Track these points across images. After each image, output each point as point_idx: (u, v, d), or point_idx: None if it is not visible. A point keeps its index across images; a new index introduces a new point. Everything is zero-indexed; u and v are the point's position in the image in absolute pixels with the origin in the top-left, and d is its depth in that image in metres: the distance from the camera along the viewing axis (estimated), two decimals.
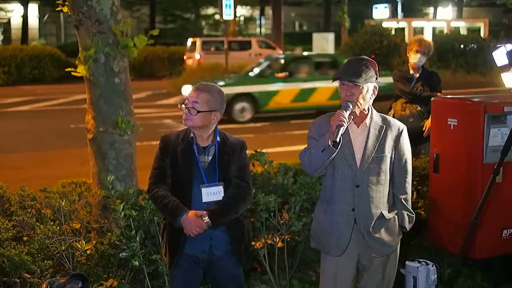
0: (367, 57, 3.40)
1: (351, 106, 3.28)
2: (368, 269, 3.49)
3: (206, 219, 3.27)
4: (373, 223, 3.38)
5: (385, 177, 3.41)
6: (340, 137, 3.19)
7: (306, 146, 3.45)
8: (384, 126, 3.41)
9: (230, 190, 3.37)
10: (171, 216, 3.30)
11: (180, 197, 3.33)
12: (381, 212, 3.40)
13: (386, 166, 3.40)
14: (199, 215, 3.27)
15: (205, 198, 3.33)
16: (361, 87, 3.29)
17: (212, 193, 3.34)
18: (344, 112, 3.24)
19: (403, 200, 3.47)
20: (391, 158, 3.42)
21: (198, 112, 3.28)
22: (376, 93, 3.38)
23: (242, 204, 3.39)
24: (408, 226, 3.50)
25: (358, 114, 3.36)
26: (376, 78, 3.36)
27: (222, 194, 3.36)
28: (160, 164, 3.39)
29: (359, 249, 3.43)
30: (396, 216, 3.46)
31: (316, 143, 3.33)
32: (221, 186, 3.36)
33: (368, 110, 3.40)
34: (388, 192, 3.45)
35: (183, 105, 3.32)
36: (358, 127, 3.39)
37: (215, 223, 3.29)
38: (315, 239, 3.54)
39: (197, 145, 3.37)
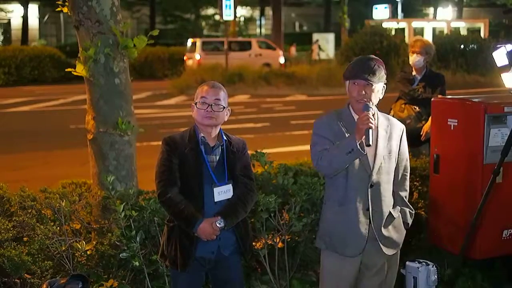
0: (375, 57, 3.39)
1: (371, 106, 3.28)
2: (372, 268, 3.49)
3: (221, 224, 3.27)
4: (384, 221, 3.41)
5: (392, 175, 3.45)
6: (372, 139, 3.18)
7: (314, 145, 3.40)
8: (389, 126, 3.44)
9: (237, 190, 3.39)
10: (186, 224, 3.28)
11: (191, 198, 3.31)
12: (389, 211, 3.44)
13: (393, 164, 3.44)
14: (214, 221, 3.26)
15: (217, 198, 3.34)
16: (373, 86, 3.29)
17: (223, 192, 3.36)
18: (369, 113, 3.21)
19: (404, 198, 3.52)
20: (396, 156, 3.45)
21: (224, 108, 3.34)
22: (383, 92, 3.39)
23: (250, 202, 3.42)
24: (410, 221, 3.55)
25: None
26: (385, 77, 3.37)
27: (232, 193, 3.38)
28: (169, 166, 3.34)
29: (366, 248, 3.44)
30: (399, 214, 3.50)
31: (331, 144, 3.31)
32: (231, 185, 3.38)
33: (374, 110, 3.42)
34: (392, 190, 3.48)
35: (205, 104, 3.31)
36: None
37: (229, 225, 3.31)
38: (326, 240, 3.50)
39: (205, 145, 3.38)
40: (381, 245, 3.41)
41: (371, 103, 3.29)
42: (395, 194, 3.50)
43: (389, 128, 3.42)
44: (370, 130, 3.17)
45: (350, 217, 3.39)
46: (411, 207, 3.56)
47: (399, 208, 3.50)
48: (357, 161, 3.33)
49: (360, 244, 3.40)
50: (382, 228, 3.40)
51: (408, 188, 3.55)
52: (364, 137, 3.18)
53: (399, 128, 3.48)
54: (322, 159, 3.32)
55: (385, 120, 3.46)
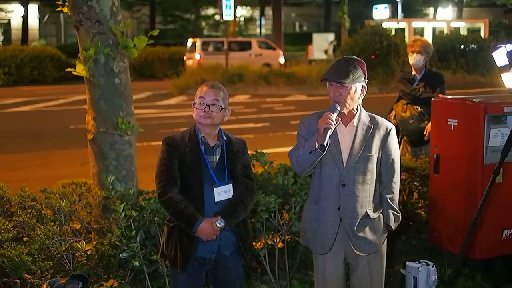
0: (355, 57, 3.40)
1: (338, 108, 3.29)
2: (356, 268, 3.50)
3: (221, 225, 3.27)
4: (357, 222, 3.38)
5: (372, 176, 3.40)
6: (327, 141, 3.20)
7: (295, 144, 3.46)
8: (372, 126, 3.41)
9: (238, 190, 3.39)
10: (187, 224, 3.28)
11: (192, 198, 3.31)
12: (366, 211, 3.40)
13: (372, 165, 3.40)
14: (214, 221, 3.26)
15: (217, 198, 3.34)
16: (349, 88, 3.29)
17: (223, 192, 3.36)
18: (332, 114, 3.24)
19: (389, 200, 3.46)
20: (378, 157, 3.41)
21: (222, 108, 3.33)
22: (365, 92, 3.38)
23: (251, 202, 3.43)
24: (393, 225, 3.50)
25: (346, 114, 3.37)
26: (365, 78, 3.36)
27: (232, 193, 3.38)
28: (169, 166, 3.34)
29: (345, 248, 3.44)
30: (381, 215, 3.46)
31: (305, 143, 3.34)
32: (231, 185, 3.38)
33: (357, 110, 3.41)
34: (374, 191, 3.44)
35: (203, 104, 3.31)
36: (345, 126, 3.39)
37: (229, 226, 3.31)
38: (303, 236, 3.58)
39: (205, 145, 3.37)
40: (351, 245, 3.40)
41: (338, 105, 3.29)
42: (381, 196, 3.47)
43: (371, 128, 3.40)
44: (329, 131, 3.20)
45: (321, 215, 3.42)
46: (397, 210, 3.50)
47: (381, 210, 3.46)
48: (330, 160, 3.35)
49: (328, 242, 3.41)
50: (356, 228, 3.38)
51: (395, 191, 3.49)
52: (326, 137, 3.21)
53: (385, 129, 3.43)
54: (292, 157, 3.41)
55: (368, 120, 3.43)
